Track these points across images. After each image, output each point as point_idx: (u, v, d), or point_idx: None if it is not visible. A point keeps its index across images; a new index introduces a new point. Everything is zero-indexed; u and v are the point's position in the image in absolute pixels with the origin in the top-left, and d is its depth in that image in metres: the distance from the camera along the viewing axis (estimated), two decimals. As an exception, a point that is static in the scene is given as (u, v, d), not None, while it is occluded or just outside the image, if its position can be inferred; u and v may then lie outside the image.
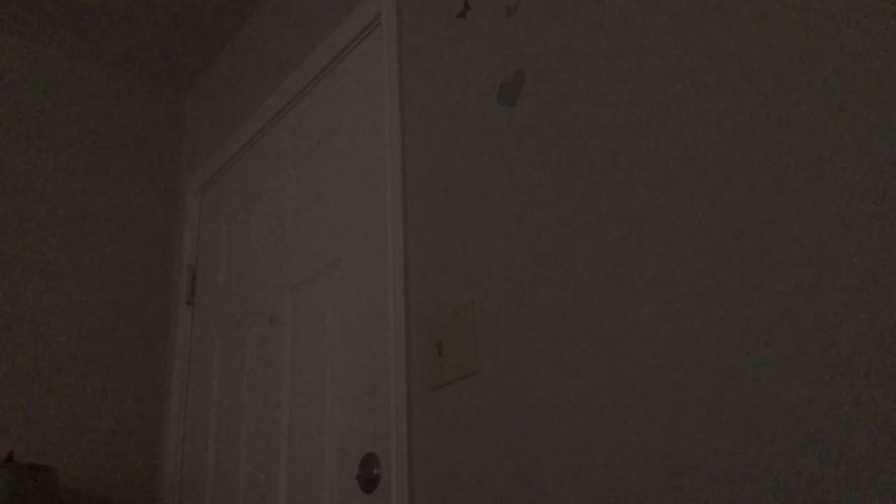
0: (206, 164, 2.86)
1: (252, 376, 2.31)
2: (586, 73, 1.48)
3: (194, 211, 2.89)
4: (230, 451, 2.32)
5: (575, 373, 1.36)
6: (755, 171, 1.17)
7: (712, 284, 1.19)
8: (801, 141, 1.13)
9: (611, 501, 1.25)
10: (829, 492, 1.00)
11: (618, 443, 1.27)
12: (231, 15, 2.83)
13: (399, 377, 1.72)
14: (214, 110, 2.93)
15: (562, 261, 1.44)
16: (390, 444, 1.71)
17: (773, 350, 1.10)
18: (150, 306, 2.82)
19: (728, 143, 1.22)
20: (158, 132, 3.06)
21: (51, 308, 2.61)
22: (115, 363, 2.68)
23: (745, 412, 1.11)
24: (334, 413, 1.93)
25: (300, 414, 2.05)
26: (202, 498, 2.40)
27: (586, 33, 1.50)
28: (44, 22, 2.78)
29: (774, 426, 1.08)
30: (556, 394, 1.38)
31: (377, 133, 2.03)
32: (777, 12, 1.20)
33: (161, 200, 2.98)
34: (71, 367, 2.59)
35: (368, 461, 1.74)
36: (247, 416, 2.29)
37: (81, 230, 2.76)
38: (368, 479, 1.73)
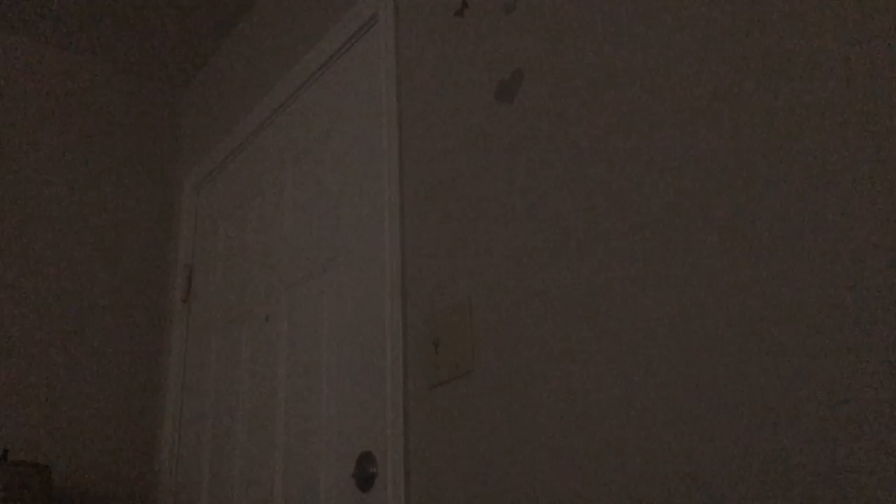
0: (202, 162, 2.85)
1: (248, 375, 2.31)
2: (584, 71, 1.48)
3: (190, 209, 2.88)
4: (226, 449, 2.31)
5: (572, 371, 1.36)
6: (755, 169, 1.17)
7: (711, 283, 1.19)
8: (800, 139, 1.13)
9: (608, 499, 1.25)
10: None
11: (615, 441, 1.27)
12: (227, 14, 2.83)
13: (396, 376, 1.72)
14: (211, 109, 2.93)
15: (559, 259, 1.44)
16: (387, 442, 1.70)
17: (772, 350, 1.10)
18: (146, 304, 2.82)
19: (728, 142, 1.22)
20: (155, 130, 3.05)
21: (46, 306, 2.61)
22: (111, 361, 2.68)
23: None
24: (331, 411, 1.93)
25: (296, 412, 2.05)
26: (198, 497, 2.40)
27: (584, 31, 1.50)
28: (39, 20, 2.77)
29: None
30: (553, 392, 1.38)
31: (374, 131, 2.03)
32: (777, 12, 1.20)
33: (157, 199, 2.97)
34: (66, 365, 2.58)
35: (365, 460, 1.74)
36: (243, 414, 2.28)
37: (77, 228, 2.75)
38: (365, 477, 1.72)
